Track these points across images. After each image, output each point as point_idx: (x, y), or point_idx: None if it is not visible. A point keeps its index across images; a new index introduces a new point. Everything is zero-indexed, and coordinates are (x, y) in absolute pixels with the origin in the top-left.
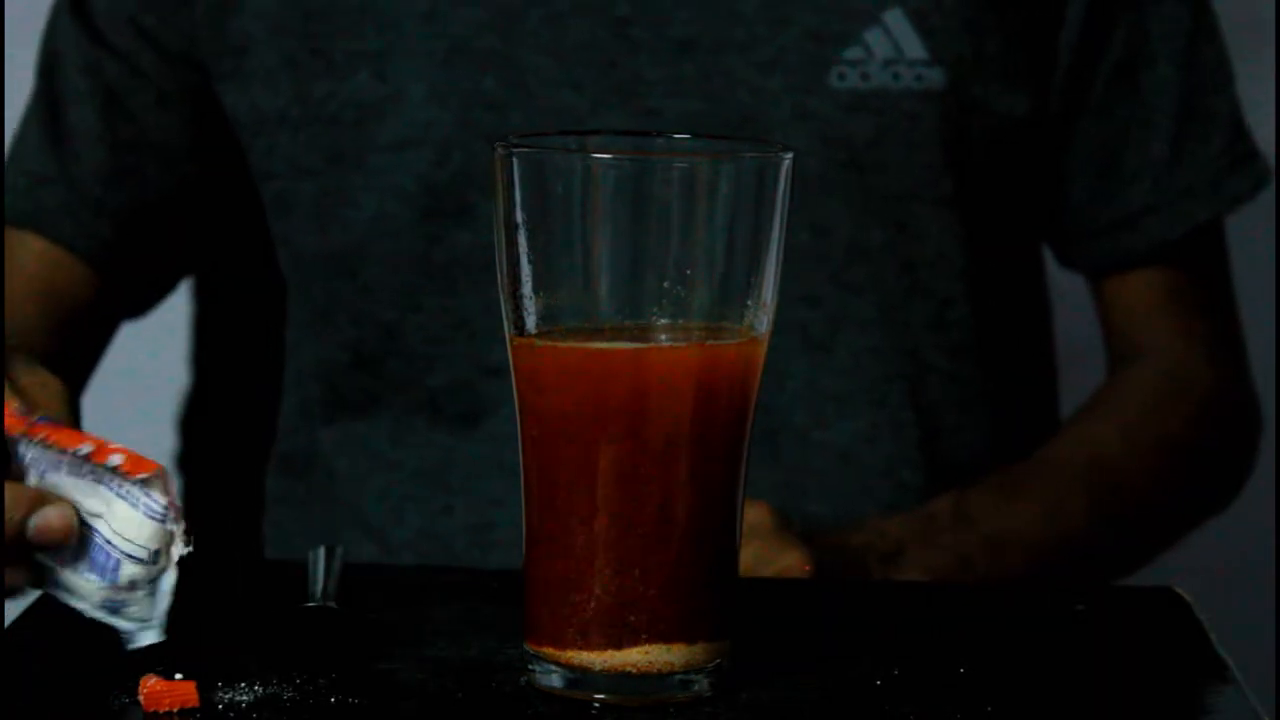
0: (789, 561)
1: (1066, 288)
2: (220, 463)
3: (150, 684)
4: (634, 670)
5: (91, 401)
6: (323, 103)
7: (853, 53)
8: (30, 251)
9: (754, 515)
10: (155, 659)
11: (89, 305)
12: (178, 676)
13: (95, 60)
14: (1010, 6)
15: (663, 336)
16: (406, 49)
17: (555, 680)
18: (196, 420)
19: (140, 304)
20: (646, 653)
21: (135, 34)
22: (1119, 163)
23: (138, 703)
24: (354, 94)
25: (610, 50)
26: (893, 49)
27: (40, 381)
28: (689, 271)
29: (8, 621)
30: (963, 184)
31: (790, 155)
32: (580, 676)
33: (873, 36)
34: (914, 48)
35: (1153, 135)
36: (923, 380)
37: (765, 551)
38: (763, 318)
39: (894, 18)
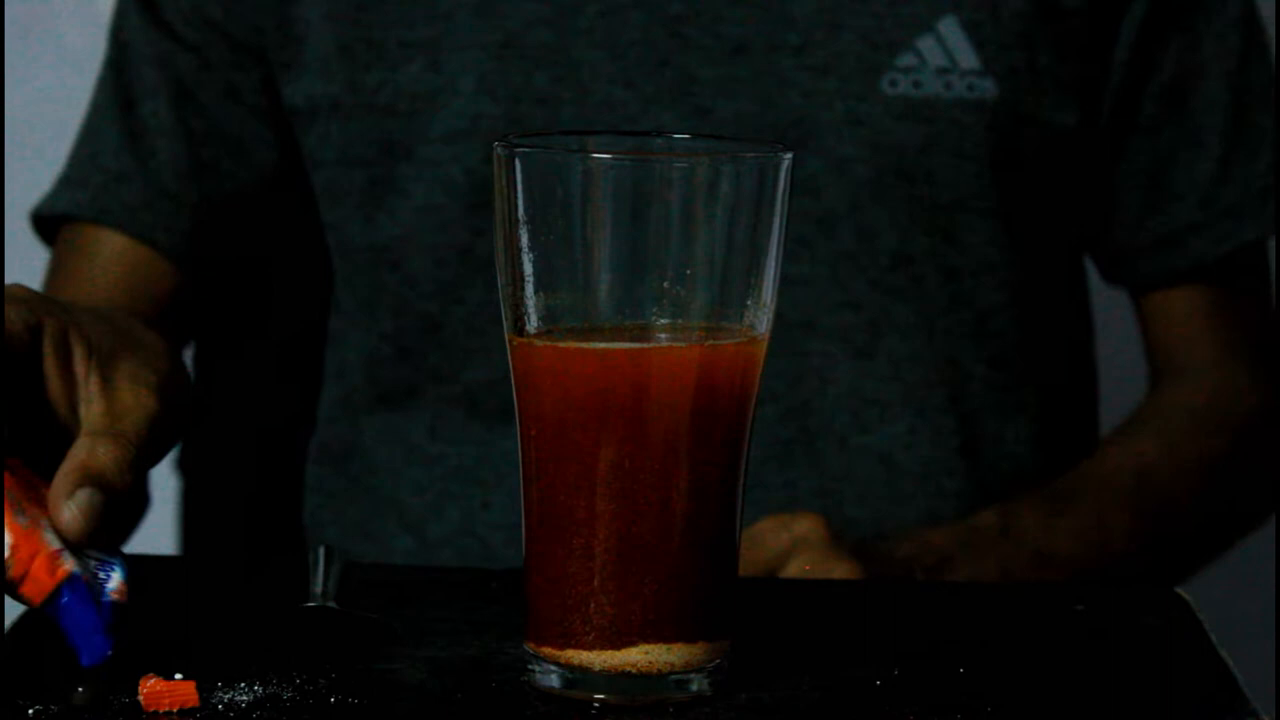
0: (840, 575)
1: (1109, 302)
2: (220, 462)
3: (150, 684)
4: (634, 670)
5: None
6: (375, 91)
7: (905, 60)
8: (112, 248)
9: (805, 526)
10: (155, 659)
11: (172, 301)
12: (178, 676)
13: (165, 53)
14: (1064, 20)
15: (663, 336)
16: (458, 40)
17: (555, 680)
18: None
19: (217, 299)
20: (646, 653)
21: (202, 25)
22: (1167, 180)
23: (138, 703)
24: (406, 84)
25: (663, 48)
26: (946, 58)
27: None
28: (689, 271)
29: (8, 621)
30: (1009, 195)
31: (790, 155)
32: (580, 676)
33: (926, 44)
34: (967, 57)
35: (1201, 154)
36: (963, 387)
37: (816, 563)
38: (763, 317)
39: (948, 26)
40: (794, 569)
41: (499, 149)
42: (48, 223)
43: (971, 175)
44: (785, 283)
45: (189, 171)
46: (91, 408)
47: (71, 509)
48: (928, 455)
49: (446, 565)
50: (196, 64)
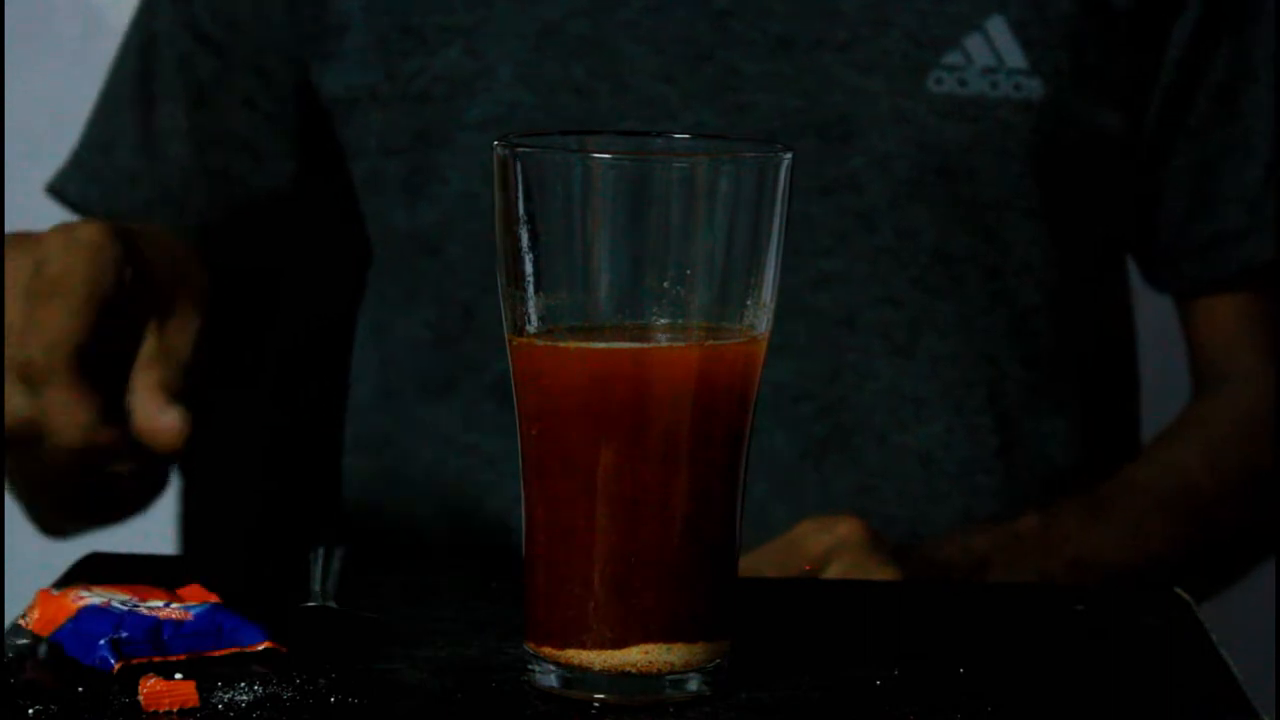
0: (879, 578)
1: (1155, 307)
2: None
3: (150, 684)
4: (634, 670)
5: None
6: (413, 79)
7: (952, 58)
8: None
9: (847, 530)
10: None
11: None
12: (178, 676)
13: (188, 53)
14: (1113, 20)
15: (663, 336)
16: (496, 27)
17: (555, 680)
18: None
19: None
20: (646, 652)
21: (230, 24)
22: (1214, 184)
23: (138, 703)
24: (444, 70)
25: (707, 43)
26: (993, 56)
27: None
28: (689, 271)
29: (8, 622)
30: (1052, 196)
31: (790, 155)
32: (580, 676)
33: (973, 43)
34: (1014, 56)
35: (1250, 159)
36: (1001, 387)
37: (857, 567)
38: (762, 317)
39: (995, 25)
40: (834, 571)
41: (498, 149)
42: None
43: (1015, 175)
44: (824, 279)
45: (201, 178)
46: (159, 336)
47: (172, 413)
48: (965, 454)
49: (482, 553)
50: (218, 68)
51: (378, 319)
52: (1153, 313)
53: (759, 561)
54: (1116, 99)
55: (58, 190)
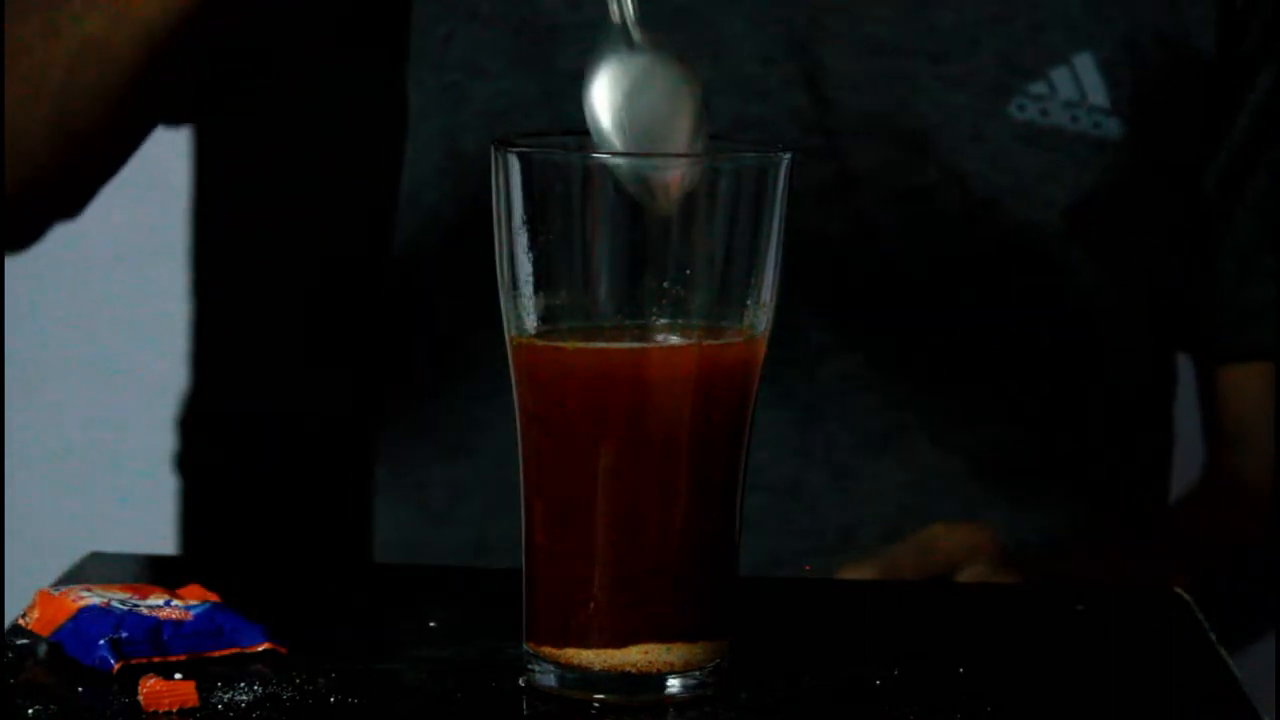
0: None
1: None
2: (220, 462)
3: (150, 684)
4: (634, 670)
5: (92, 402)
6: (516, 5)
7: (1037, 88)
8: None
9: (980, 536)
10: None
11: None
12: (178, 676)
13: None
14: (1199, 71)
15: (662, 336)
16: None
17: (555, 680)
18: (196, 420)
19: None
20: (646, 652)
21: None
22: (1260, 254)
23: (138, 703)
24: (547, 11)
25: (803, 33)
26: (1076, 91)
27: None
28: (689, 271)
29: (8, 621)
30: (1113, 236)
31: (789, 155)
32: (580, 676)
33: (1059, 75)
34: (1098, 94)
35: None
36: (1048, 404)
37: (988, 574)
38: (762, 318)
39: (1083, 61)
40: (968, 576)
41: (497, 149)
42: None
43: (1082, 209)
44: (887, 280)
45: None
46: None
47: None
48: (1015, 462)
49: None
50: None
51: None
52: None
53: (897, 561)
54: (1189, 150)
55: None
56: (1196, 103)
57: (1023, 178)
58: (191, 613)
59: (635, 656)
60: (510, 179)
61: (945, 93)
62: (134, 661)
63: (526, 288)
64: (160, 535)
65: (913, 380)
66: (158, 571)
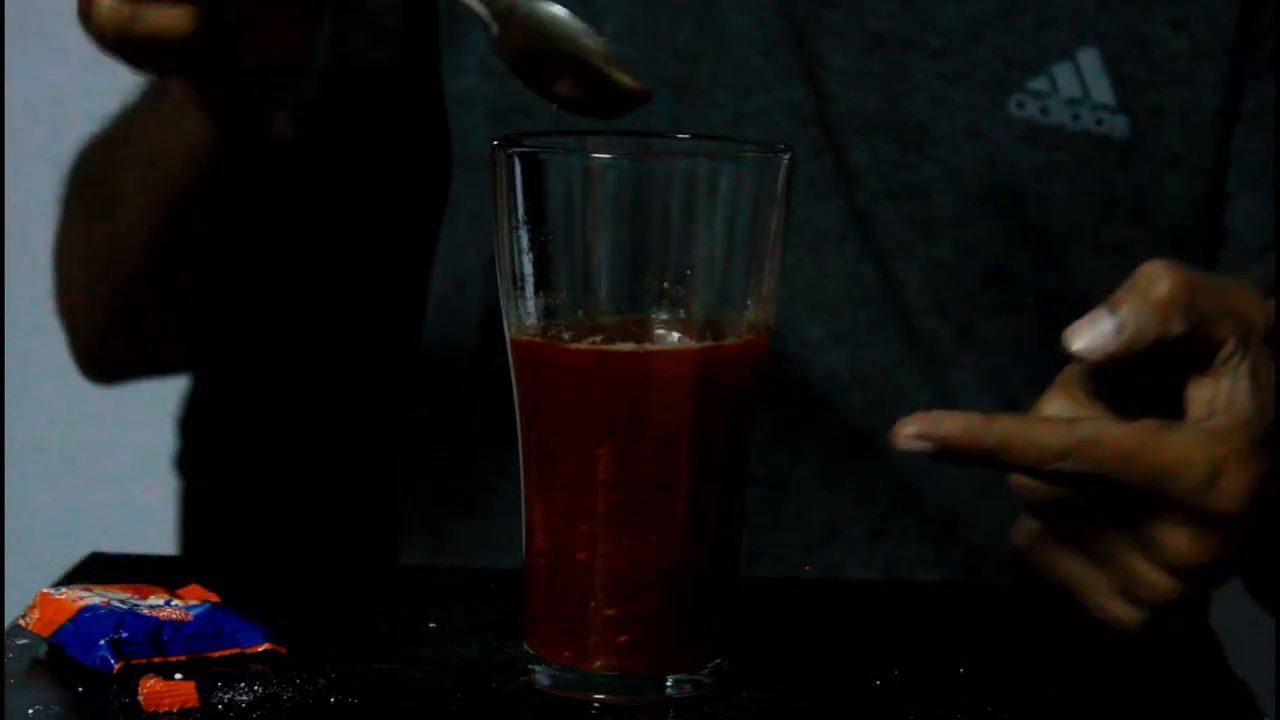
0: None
1: None
2: (220, 463)
3: (150, 684)
4: (633, 670)
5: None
6: (521, 6)
7: (1037, 84)
8: None
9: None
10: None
11: None
12: (178, 676)
13: None
14: (1211, 64)
15: (663, 336)
16: None
17: (555, 680)
18: (196, 420)
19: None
20: (646, 653)
21: None
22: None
23: (138, 703)
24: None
25: (803, 26)
26: (1079, 88)
27: None
28: (689, 271)
29: (8, 621)
30: (1119, 234)
31: (789, 155)
32: (580, 676)
33: (1061, 71)
34: (1102, 91)
35: None
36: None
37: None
38: (763, 318)
39: (1087, 57)
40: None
41: (497, 147)
42: None
43: (1085, 208)
44: (885, 279)
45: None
46: None
47: None
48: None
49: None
50: None
51: (444, 284)
52: None
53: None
54: (1202, 145)
55: None
56: (1209, 92)
57: (1021, 177)
58: (191, 613)
59: (635, 657)
60: (511, 179)
61: (943, 87)
62: (134, 661)
63: (527, 287)
64: (160, 535)
65: (900, 381)
66: (158, 571)
